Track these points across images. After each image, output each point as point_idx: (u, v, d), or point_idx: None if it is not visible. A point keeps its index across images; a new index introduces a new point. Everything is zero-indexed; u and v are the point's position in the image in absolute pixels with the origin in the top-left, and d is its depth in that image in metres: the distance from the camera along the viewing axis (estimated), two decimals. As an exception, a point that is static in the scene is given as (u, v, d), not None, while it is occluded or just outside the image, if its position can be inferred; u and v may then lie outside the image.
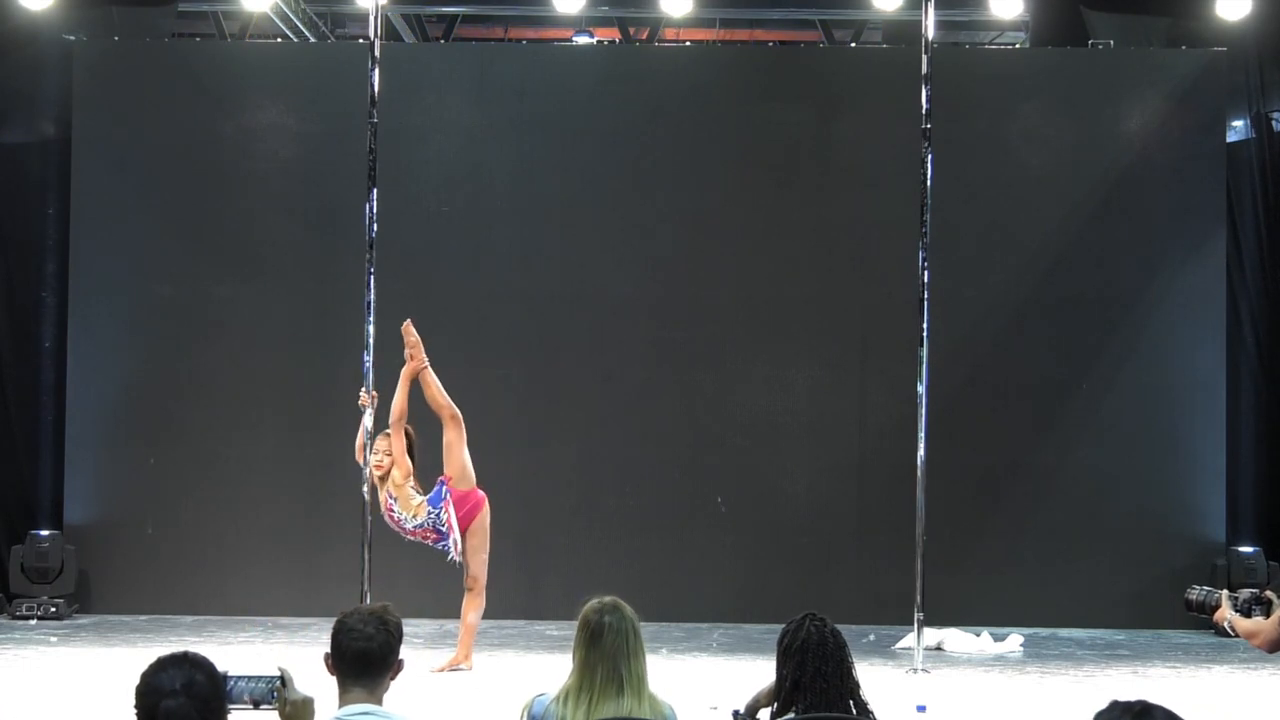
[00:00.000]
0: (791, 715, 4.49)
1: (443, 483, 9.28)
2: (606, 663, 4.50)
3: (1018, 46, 13.11)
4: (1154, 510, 11.55)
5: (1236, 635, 5.63)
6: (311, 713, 3.82)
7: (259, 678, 3.79)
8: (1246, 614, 5.48)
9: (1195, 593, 5.72)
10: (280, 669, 3.83)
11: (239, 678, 3.74)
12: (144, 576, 11.48)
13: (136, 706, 3.23)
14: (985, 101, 11.83)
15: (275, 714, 3.82)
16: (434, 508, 9.22)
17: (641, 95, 11.87)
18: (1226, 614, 5.52)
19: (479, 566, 9.32)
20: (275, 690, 3.79)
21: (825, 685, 4.45)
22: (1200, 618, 5.76)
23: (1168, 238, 11.69)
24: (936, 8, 9.78)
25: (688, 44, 13.68)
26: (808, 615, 4.58)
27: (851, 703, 4.51)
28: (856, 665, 4.61)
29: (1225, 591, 5.63)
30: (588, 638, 4.54)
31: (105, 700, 7.90)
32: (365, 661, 3.92)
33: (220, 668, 3.34)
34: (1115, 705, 3.07)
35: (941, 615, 10.39)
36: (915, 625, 9.39)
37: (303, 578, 11.37)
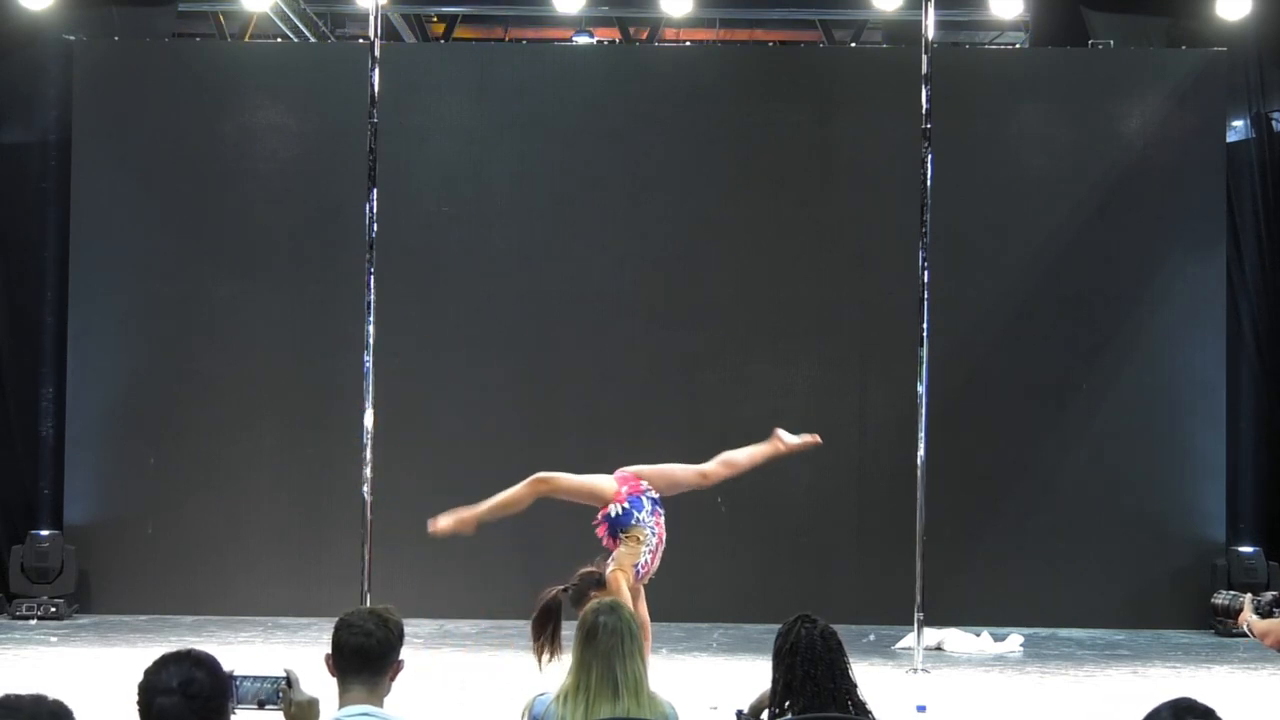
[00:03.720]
0: (788, 718, 4.48)
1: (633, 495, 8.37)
2: (601, 662, 4.51)
3: (1018, 46, 13.12)
4: (1154, 510, 11.55)
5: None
6: (317, 713, 3.82)
7: (264, 678, 3.79)
8: (1267, 615, 5.47)
9: (1221, 598, 5.72)
10: (286, 670, 3.83)
11: (244, 677, 3.74)
12: (144, 576, 11.48)
13: (137, 703, 3.24)
14: (985, 101, 11.83)
15: (280, 714, 3.82)
16: (634, 519, 8.27)
17: (641, 95, 11.88)
18: (1248, 616, 5.51)
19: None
20: (281, 691, 3.79)
21: (815, 688, 4.44)
22: (1226, 622, 5.76)
23: (1168, 238, 11.69)
24: (936, 8, 9.78)
25: (688, 44, 13.68)
26: (800, 618, 4.57)
27: (850, 703, 4.51)
28: (856, 665, 4.60)
29: (1249, 595, 5.62)
30: (584, 637, 4.56)
31: (105, 700, 7.89)
32: (363, 658, 3.92)
33: (227, 667, 3.33)
34: (1183, 702, 3.15)
35: (941, 615, 10.39)
36: (915, 625, 9.39)
37: (303, 578, 11.37)
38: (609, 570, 8.32)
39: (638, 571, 8.35)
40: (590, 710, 4.46)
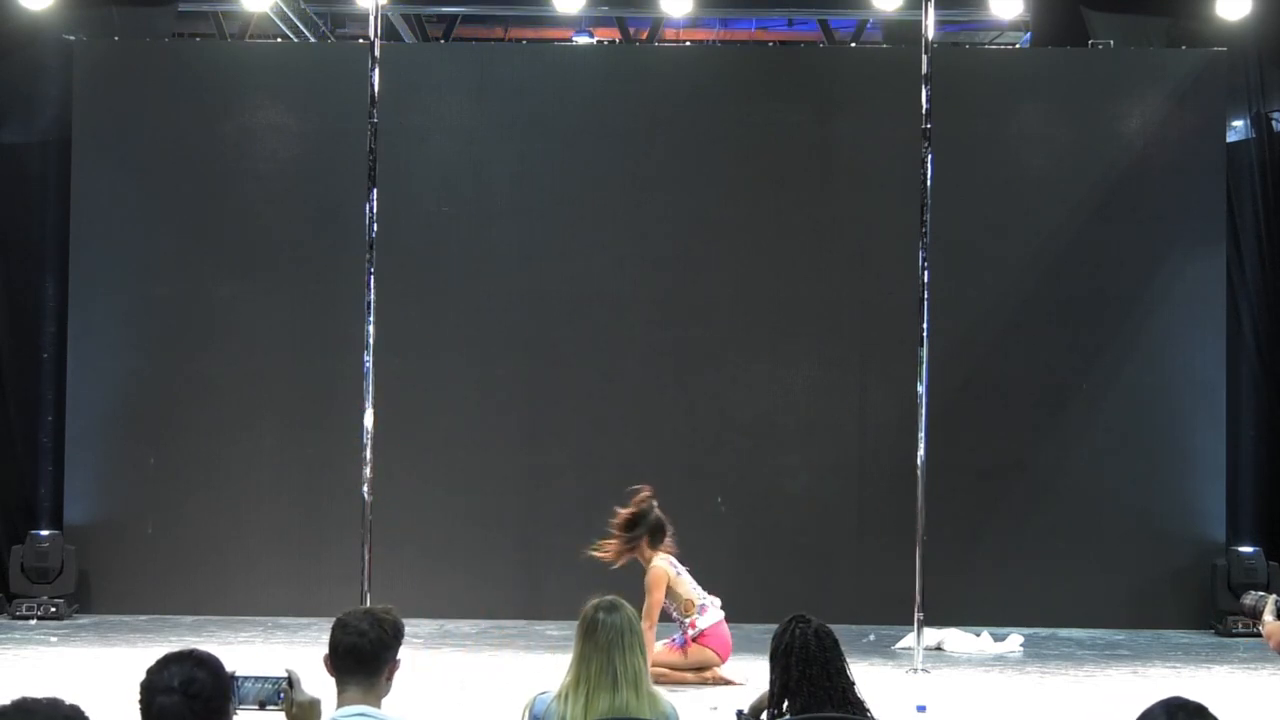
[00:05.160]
0: (787, 718, 4.50)
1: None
2: (600, 656, 4.55)
3: (1018, 46, 13.12)
4: (1154, 510, 11.55)
5: None
6: (318, 714, 3.83)
7: (266, 679, 3.80)
8: None
9: (1250, 598, 5.73)
10: (288, 670, 3.84)
11: (246, 678, 3.74)
12: (144, 576, 11.48)
13: (139, 701, 3.24)
14: (985, 101, 11.83)
15: (282, 715, 3.82)
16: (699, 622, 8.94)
17: (641, 95, 11.88)
18: (1267, 616, 5.52)
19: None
20: (282, 691, 3.80)
21: (812, 688, 4.47)
22: (1250, 623, 5.76)
23: (1168, 238, 11.69)
24: (936, 8, 9.78)
25: (688, 44, 13.68)
26: (794, 618, 4.60)
27: (847, 701, 4.52)
28: (855, 665, 4.61)
29: (1274, 597, 5.62)
30: (583, 632, 4.61)
31: (105, 700, 7.89)
32: (357, 657, 3.93)
33: (230, 668, 3.34)
34: (1174, 700, 3.16)
35: (941, 615, 10.39)
36: (915, 625, 9.39)
37: (303, 578, 11.37)
38: (659, 562, 8.67)
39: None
40: (589, 703, 4.49)
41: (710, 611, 8.98)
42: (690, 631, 8.92)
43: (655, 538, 8.90)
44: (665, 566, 8.85)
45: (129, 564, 11.52)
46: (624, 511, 8.93)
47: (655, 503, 8.99)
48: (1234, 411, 11.67)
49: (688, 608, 8.92)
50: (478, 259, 11.73)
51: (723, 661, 9.02)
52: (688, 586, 8.95)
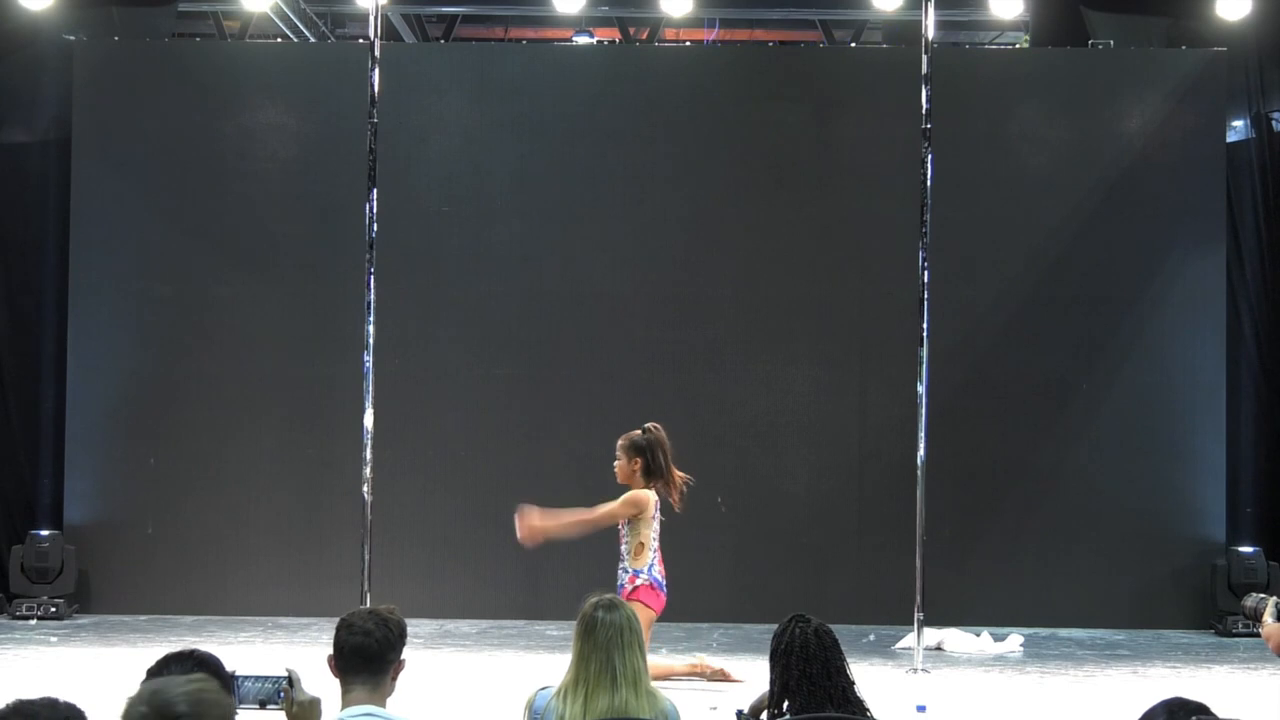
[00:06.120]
0: (787, 718, 4.51)
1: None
2: (599, 654, 4.56)
3: (1018, 46, 13.12)
4: (1154, 510, 11.56)
5: None
6: (319, 713, 3.83)
7: (266, 678, 3.81)
8: None
9: (1251, 599, 5.74)
10: (288, 670, 3.84)
11: (246, 678, 3.75)
12: (144, 576, 11.48)
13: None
14: (985, 101, 11.83)
15: (282, 714, 3.82)
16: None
17: (641, 95, 11.88)
18: (1267, 618, 5.53)
19: None
20: (282, 690, 3.80)
21: (812, 687, 4.48)
22: (1252, 624, 5.77)
23: (1168, 238, 11.69)
24: (936, 8, 9.78)
25: (687, 44, 13.68)
26: (794, 618, 4.61)
27: (846, 700, 4.53)
28: (855, 665, 4.61)
29: (1275, 598, 5.63)
30: (582, 631, 4.63)
31: (105, 700, 7.89)
32: (362, 657, 3.93)
33: (230, 667, 3.34)
34: (1175, 700, 3.16)
35: (941, 615, 10.40)
36: (915, 625, 9.40)
37: (303, 578, 11.37)
38: (648, 493, 8.51)
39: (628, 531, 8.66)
40: (589, 702, 4.49)
41: (655, 567, 8.67)
42: (628, 586, 8.55)
43: (648, 471, 8.60)
44: (650, 499, 8.57)
45: (129, 564, 11.52)
46: (633, 432, 8.80)
47: (654, 437, 8.74)
48: (1234, 411, 11.67)
49: (638, 551, 8.52)
50: (478, 259, 11.73)
51: (657, 614, 8.62)
52: (652, 533, 8.57)
